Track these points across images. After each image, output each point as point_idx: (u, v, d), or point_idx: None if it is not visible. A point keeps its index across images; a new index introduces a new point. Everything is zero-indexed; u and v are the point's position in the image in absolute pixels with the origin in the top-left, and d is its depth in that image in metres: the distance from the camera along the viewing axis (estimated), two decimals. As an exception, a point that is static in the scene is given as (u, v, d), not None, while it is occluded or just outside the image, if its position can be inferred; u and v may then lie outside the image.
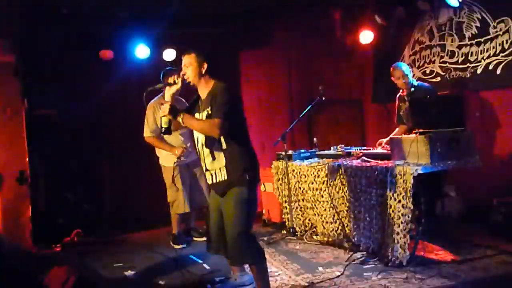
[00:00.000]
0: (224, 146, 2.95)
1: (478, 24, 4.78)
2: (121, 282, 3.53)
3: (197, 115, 3.06)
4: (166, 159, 4.69)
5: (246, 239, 2.93)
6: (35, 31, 5.18)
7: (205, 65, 3.02)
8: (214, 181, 3.06)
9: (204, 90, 3.06)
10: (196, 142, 3.14)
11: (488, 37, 4.66)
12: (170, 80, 3.02)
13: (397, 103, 4.84)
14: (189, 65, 3.01)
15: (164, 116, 2.90)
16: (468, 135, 3.83)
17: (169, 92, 3.02)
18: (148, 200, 6.09)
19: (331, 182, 4.22)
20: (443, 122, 3.81)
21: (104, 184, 6.07)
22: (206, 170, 3.09)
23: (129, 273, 3.97)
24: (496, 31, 4.57)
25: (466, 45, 4.94)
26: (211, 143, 2.98)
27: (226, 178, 2.98)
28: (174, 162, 4.60)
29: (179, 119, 2.89)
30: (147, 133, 4.66)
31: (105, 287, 2.83)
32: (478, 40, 4.79)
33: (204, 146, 3.03)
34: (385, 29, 5.86)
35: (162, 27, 5.48)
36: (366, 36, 5.98)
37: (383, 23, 5.67)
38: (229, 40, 6.09)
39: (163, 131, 2.96)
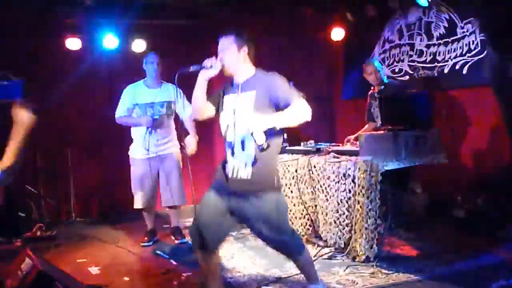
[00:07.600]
0: (259, 140, 2.44)
1: (446, 24, 4.87)
2: (84, 278, 3.43)
3: (231, 95, 2.72)
4: (132, 149, 4.57)
5: (290, 238, 2.74)
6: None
7: (246, 49, 2.69)
8: (234, 176, 2.64)
9: (242, 76, 2.71)
10: (226, 124, 2.73)
11: (456, 37, 4.76)
12: (207, 63, 2.68)
13: (368, 100, 4.89)
14: (226, 49, 2.67)
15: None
16: (435, 133, 3.91)
17: (203, 76, 2.70)
18: (114, 194, 5.96)
19: (300, 177, 4.22)
20: (412, 119, 3.88)
21: (68, 177, 5.89)
22: (230, 159, 2.67)
23: (93, 268, 3.88)
24: (464, 32, 4.67)
25: (434, 44, 5.03)
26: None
27: (249, 177, 2.58)
28: (136, 154, 4.47)
29: (274, 124, 2.46)
30: (118, 113, 4.47)
31: (68, 283, 2.74)
32: (446, 40, 4.88)
33: (236, 131, 2.63)
34: (356, 27, 5.92)
35: (132, 17, 5.34)
36: (337, 33, 6.02)
37: (354, 20, 5.72)
38: (199, 32, 6.01)
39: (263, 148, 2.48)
